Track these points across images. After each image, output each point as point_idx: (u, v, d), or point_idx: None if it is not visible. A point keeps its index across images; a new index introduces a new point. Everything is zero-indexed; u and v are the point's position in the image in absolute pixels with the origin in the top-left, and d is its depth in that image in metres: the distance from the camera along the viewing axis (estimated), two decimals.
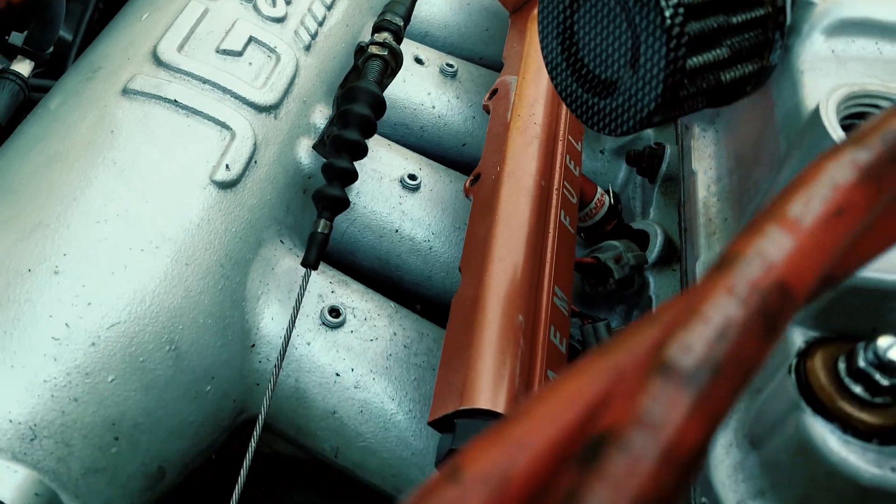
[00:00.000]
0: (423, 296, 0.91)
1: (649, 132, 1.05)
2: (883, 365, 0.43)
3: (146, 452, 0.63)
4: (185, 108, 0.74)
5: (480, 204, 0.76)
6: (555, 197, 0.77)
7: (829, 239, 0.26)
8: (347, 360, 0.74)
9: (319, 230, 0.72)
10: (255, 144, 0.77)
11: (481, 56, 1.17)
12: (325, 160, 0.79)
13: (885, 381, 0.43)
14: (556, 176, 0.79)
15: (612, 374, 0.23)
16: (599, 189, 0.90)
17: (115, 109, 0.73)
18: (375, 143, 0.91)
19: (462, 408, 0.58)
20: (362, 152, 0.76)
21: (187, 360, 0.65)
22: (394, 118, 1.02)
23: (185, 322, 0.65)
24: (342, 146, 0.75)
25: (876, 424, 0.44)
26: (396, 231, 0.89)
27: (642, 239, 0.89)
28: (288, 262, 0.77)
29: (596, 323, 0.77)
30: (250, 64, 0.82)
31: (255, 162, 0.76)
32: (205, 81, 0.77)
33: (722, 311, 0.23)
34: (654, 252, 0.88)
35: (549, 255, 0.71)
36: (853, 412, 0.44)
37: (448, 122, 1.05)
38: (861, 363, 0.44)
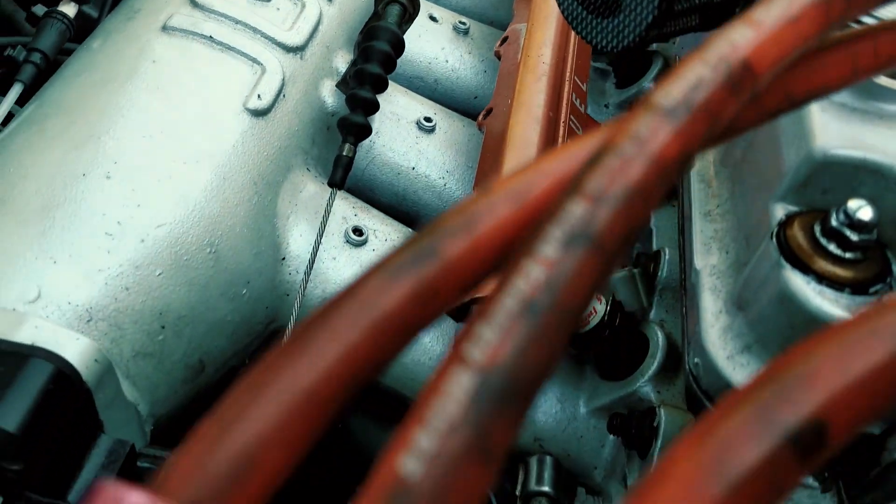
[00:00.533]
0: None
1: (651, 86, 1.11)
2: (853, 224, 0.49)
3: (188, 344, 0.69)
4: (219, 43, 0.81)
5: (492, 132, 0.82)
6: (562, 128, 0.83)
7: (787, 38, 0.32)
8: None
9: (344, 153, 0.78)
10: (283, 80, 0.83)
11: (491, 20, 1.23)
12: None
13: (854, 237, 0.49)
14: (563, 109, 0.85)
15: (610, 127, 0.29)
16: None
17: (155, 44, 0.79)
18: (393, 89, 0.97)
19: (478, 294, 0.64)
20: (383, 85, 0.83)
21: (225, 262, 0.71)
22: (409, 71, 1.08)
23: (224, 229, 0.71)
24: (365, 78, 0.81)
25: (847, 277, 0.50)
26: (413, 169, 0.95)
27: None
28: (314, 187, 0.83)
29: None
30: (278, 9, 0.88)
31: (284, 96, 0.83)
32: (237, 22, 0.84)
33: (696, 72, 0.29)
34: None
35: None
36: (827, 267, 0.50)
37: (460, 75, 1.11)
38: (834, 223, 0.50)
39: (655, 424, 0.70)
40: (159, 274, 0.66)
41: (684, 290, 0.64)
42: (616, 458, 0.77)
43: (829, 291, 0.50)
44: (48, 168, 0.67)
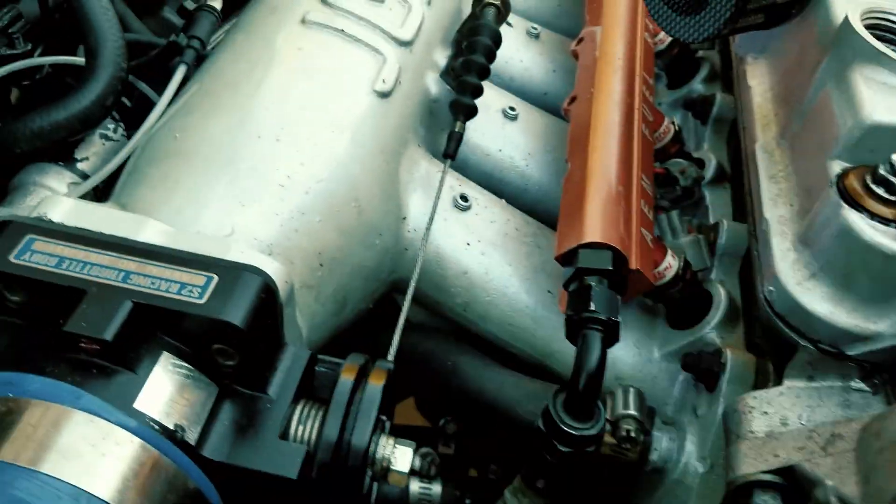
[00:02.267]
0: (520, 206, 1.11)
1: (700, 87, 1.26)
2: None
3: (338, 281, 0.83)
4: (349, 36, 0.95)
5: (578, 116, 0.97)
6: (636, 113, 0.98)
7: None
8: (474, 234, 0.95)
9: (457, 129, 0.93)
10: (399, 68, 0.97)
11: (555, 28, 1.38)
12: (449, 87, 1.00)
13: None
14: (637, 97, 0.99)
15: None
16: (667, 119, 1.10)
17: (297, 34, 0.94)
18: None
19: (582, 241, 0.78)
20: (487, 73, 0.97)
21: (365, 216, 0.85)
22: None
23: (364, 187, 0.86)
24: (472, 67, 0.96)
25: (893, 214, 0.64)
26: (500, 151, 1.10)
27: (699, 164, 1.10)
28: (425, 163, 0.98)
29: (669, 212, 0.97)
30: (390, 9, 1.03)
31: (400, 82, 0.97)
32: (360, 18, 0.98)
33: None
34: (709, 172, 1.08)
35: (635, 150, 0.92)
36: (877, 206, 0.64)
37: (533, 74, 1.26)
38: (881, 172, 0.64)
39: (723, 362, 0.84)
40: (319, 220, 0.81)
41: (755, 237, 0.78)
42: (685, 395, 0.91)
43: (878, 225, 0.64)
44: (228, 130, 0.81)
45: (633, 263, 0.78)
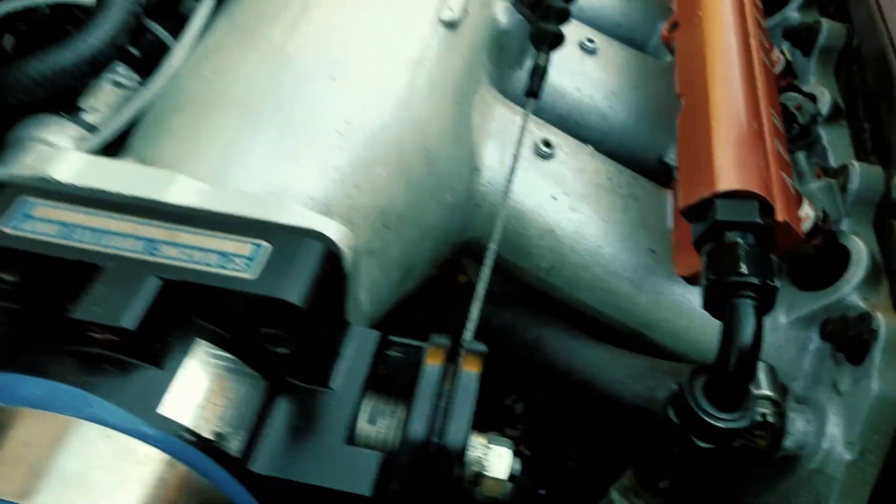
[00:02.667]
0: (602, 153, 0.96)
1: (795, 14, 1.10)
2: None
3: (405, 245, 0.69)
4: None
5: (687, 42, 0.81)
6: (753, 39, 0.82)
7: None
8: (561, 186, 0.80)
9: (541, 62, 0.77)
10: None
11: None
12: (520, 17, 0.85)
13: None
14: (750, 19, 0.83)
15: None
16: (775, 48, 0.94)
17: None
18: None
19: (718, 190, 0.63)
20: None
21: (435, 166, 0.71)
22: None
23: (434, 133, 0.71)
24: None
25: None
26: (577, 90, 0.95)
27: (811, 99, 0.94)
28: (499, 105, 0.83)
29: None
30: None
31: (468, 11, 0.82)
32: None
33: None
34: (824, 108, 0.92)
35: (759, 81, 0.76)
36: None
37: (605, 2, 1.11)
38: None
39: (874, 328, 0.69)
40: (383, 173, 0.66)
41: None
42: (820, 367, 0.76)
43: None
44: (270, 69, 0.67)
45: (780, 214, 0.63)
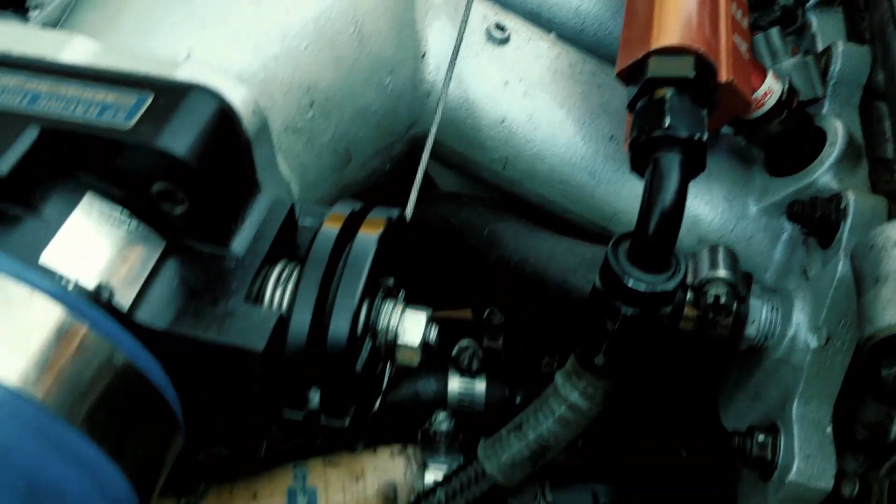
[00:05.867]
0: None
1: None
2: None
3: (336, 126, 0.66)
4: None
5: None
6: None
7: None
8: (515, 71, 0.76)
9: None
10: None
11: None
12: None
13: None
14: None
15: None
16: None
17: None
18: None
19: (654, 47, 0.58)
20: None
21: (369, 45, 0.67)
22: None
23: (365, 7, 0.67)
24: None
25: None
26: None
27: None
28: None
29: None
30: None
31: None
32: None
33: None
34: None
35: None
36: None
37: None
38: None
39: (843, 206, 0.64)
40: (305, 47, 0.63)
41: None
42: (791, 257, 0.72)
43: None
44: None
45: (724, 74, 0.59)
